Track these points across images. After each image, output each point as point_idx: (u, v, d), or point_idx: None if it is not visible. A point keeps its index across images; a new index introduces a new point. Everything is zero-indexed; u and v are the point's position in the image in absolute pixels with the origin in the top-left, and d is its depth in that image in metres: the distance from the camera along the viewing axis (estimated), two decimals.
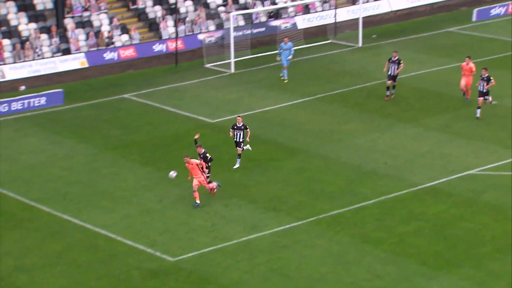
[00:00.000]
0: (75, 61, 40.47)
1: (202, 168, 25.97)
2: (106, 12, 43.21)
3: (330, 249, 23.84)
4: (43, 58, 39.98)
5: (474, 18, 47.21)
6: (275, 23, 45.50)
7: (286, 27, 45.27)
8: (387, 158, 29.93)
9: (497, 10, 47.67)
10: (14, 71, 39.02)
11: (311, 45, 43.10)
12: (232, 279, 22.33)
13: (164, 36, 43.40)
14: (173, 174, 26.15)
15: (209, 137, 31.60)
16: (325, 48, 43.02)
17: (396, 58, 34.79)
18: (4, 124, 33.53)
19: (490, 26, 45.99)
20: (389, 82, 34.95)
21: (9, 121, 33.86)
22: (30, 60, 39.62)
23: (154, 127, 33.11)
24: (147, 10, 44.31)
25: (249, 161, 29.56)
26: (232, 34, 40.02)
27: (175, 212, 25.88)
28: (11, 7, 41.56)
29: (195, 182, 25.89)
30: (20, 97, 35.21)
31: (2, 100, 34.73)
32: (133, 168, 28.36)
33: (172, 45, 42.14)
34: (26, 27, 41.11)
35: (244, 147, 28.90)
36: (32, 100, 35.13)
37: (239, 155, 28.87)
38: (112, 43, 42.08)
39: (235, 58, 39.87)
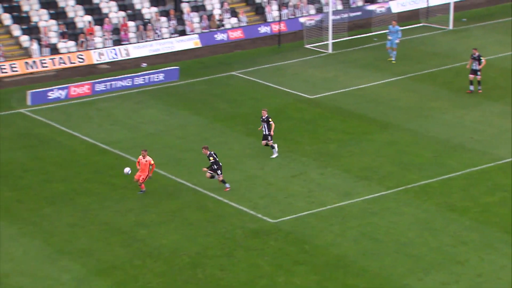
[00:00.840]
0: (190, 42, 40.91)
1: (151, 169, 24.46)
2: None
3: (417, 216, 23.28)
4: (162, 39, 40.61)
5: None
6: (370, 7, 44.47)
7: (381, 11, 44.18)
8: (473, 133, 28.88)
9: None
10: (137, 50, 39.84)
11: (404, 28, 41.91)
12: (325, 241, 22.16)
13: (269, 19, 43.20)
14: (127, 171, 24.82)
15: (306, 111, 31.43)
16: (417, 31, 41.81)
17: (476, 54, 32.21)
18: (128, 97, 34.34)
19: None
20: (472, 76, 32.60)
21: (132, 94, 34.64)
22: (151, 40, 40.34)
23: (258, 101, 33.12)
24: None
25: (344, 134, 29.16)
26: (331, 17, 39.47)
27: (275, 179, 25.84)
28: None
29: (141, 176, 24.43)
30: (142, 73, 35.94)
31: (126, 75, 35.57)
32: (239, 138, 28.47)
33: (275, 28, 41.93)
34: (148, 11, 41.81)
35: (274, 146, 26.82)
36: (152, 76, 35.79)
37: (272, 146, 26.75)
38: (223, 25, 42.25)
39: (333, 39, 39.34)
